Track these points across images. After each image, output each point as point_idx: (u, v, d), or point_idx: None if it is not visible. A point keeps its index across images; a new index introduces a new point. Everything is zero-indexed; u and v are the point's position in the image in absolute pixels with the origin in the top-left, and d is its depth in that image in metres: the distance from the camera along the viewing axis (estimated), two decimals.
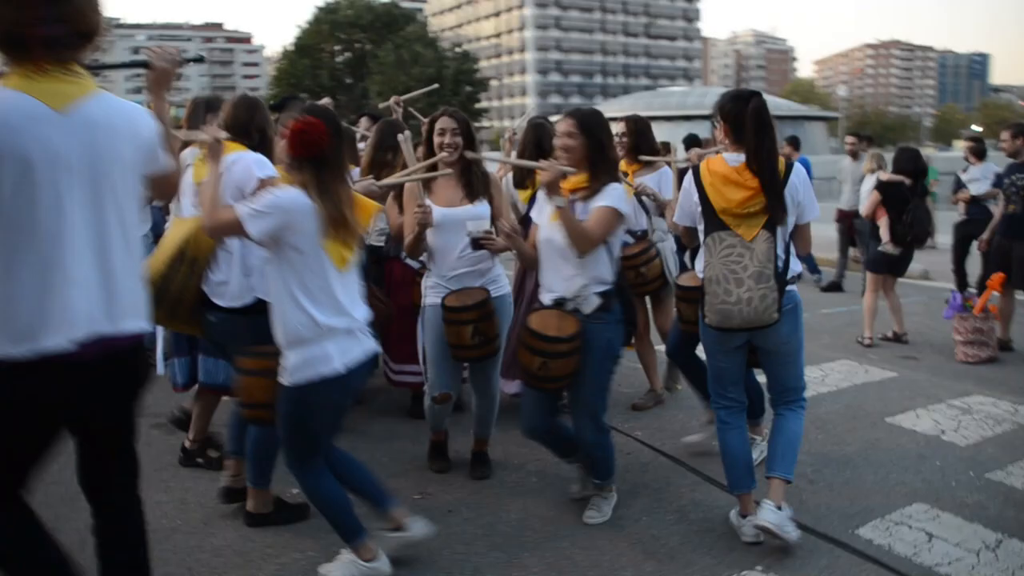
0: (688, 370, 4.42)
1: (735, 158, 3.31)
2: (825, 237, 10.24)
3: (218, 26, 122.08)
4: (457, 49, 57.54)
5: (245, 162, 3.26)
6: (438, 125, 3.85)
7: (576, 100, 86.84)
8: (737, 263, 3.20)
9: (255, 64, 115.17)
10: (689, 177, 3.41)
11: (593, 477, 3.72)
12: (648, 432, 4.73)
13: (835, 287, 9.75)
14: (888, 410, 5.19)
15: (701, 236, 3.37)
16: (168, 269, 3.28)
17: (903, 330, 7.03)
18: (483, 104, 57.94)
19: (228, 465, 3.75)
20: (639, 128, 4.94)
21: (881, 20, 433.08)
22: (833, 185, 13.74)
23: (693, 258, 4.44)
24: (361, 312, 2.99)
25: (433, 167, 3.76)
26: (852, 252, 9.82)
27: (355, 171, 4.88)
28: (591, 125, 3.44)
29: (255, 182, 3.23)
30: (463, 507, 3.83)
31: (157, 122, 2.38)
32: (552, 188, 3.27)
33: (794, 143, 10.32)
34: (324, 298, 2.84)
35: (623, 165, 4.90)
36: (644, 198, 4.78)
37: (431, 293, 3.88)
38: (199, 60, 2.97)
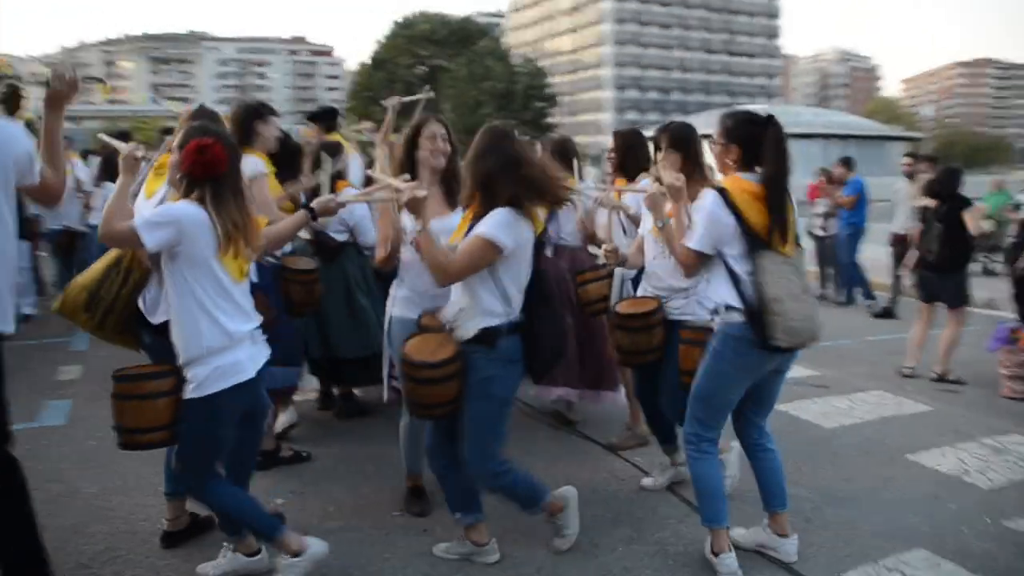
0: (651, 408, 4.17)
1: (754, 177, 3.20)
2: (884, 261, 9.83)
3: (302, 39, 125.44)
4: (529, 63, 57.75)
5: None
6: (429, 129, 3.67)
7: (653, 117, 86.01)
8: (789, 279, 3.12)
9: (336, 77, 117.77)
10: (717, 201, 3.14)
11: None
12: (649, 458, 4.55)
13: (887, 313, 9.35)
14: (912, 446, 4.90)
15: (740, 259, 3.14)
16: (102, 276, 3.27)
17: (944, 369, 6.52)
18: (555, 120, 57.87)
19: (168, 508, 3.62)
20: (628, 143, 4.68)
21: (974, 38, 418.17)
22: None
23: (636, 284, 4.28)
24: (257, 317, 3.06)
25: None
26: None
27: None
28: (482, 138, 3.19)
29: None
30: (438, 526, 3.74)
31: (44, 136, 2.55)
32: (412, 209, 3.07)
33: (847, 163, 9.98)
34: (228, 306, 2.89)
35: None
36: (622, 219, 4.57)
37: (402, 305, 3.67)
38: (99, 80, 3.06)
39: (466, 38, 54.69)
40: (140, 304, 3.30)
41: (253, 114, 4.38)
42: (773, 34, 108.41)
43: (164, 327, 3.10)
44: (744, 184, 3.18)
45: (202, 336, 2.86)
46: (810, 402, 5.80)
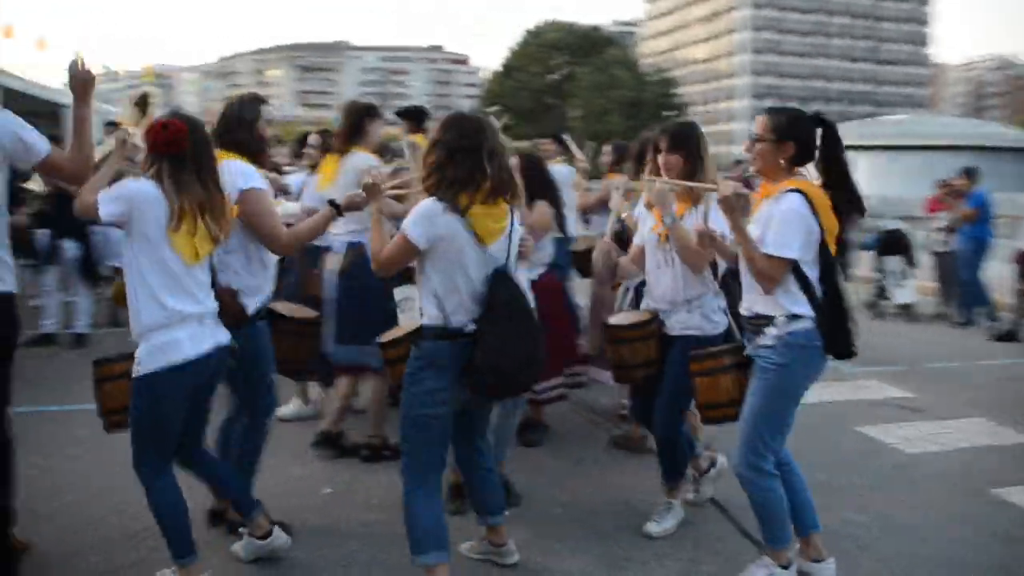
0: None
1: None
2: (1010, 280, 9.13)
3: (439, 48, 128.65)
4: (659, 73, 57.20)
5: (227, 171, 3.23)
6: None
7: None
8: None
9: (473, 85, 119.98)
10: (804, 204, 2.96)
11: None
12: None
13: (1010, 336, 8.64)
14: (1000, 480, 4.48)
15: (811, 265, 3.02)
16: None
17: None
18: None
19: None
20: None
21: None
22: None
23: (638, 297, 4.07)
24: (211, 303, 3.04)
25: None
26: None
27: None
28: (443, 124, 3.00)
29: (236, 193, 3.23)
30: (472, 525, 3.65)
31: (74, 122, 2.97)
32: (368, 193, 3.21)
33: (970, 175, 9.33)
34: (173, 285, 2.89)
35: None
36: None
37: None
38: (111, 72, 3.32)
39: (592, 46, 54.65)
40: None
41: (364, 112, 4.57)
42: (921, 41, 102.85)
43: None
44: (820, 190, 3.04)
45: (143, 313, 2.89)
46: (895, 426, 5.43)
